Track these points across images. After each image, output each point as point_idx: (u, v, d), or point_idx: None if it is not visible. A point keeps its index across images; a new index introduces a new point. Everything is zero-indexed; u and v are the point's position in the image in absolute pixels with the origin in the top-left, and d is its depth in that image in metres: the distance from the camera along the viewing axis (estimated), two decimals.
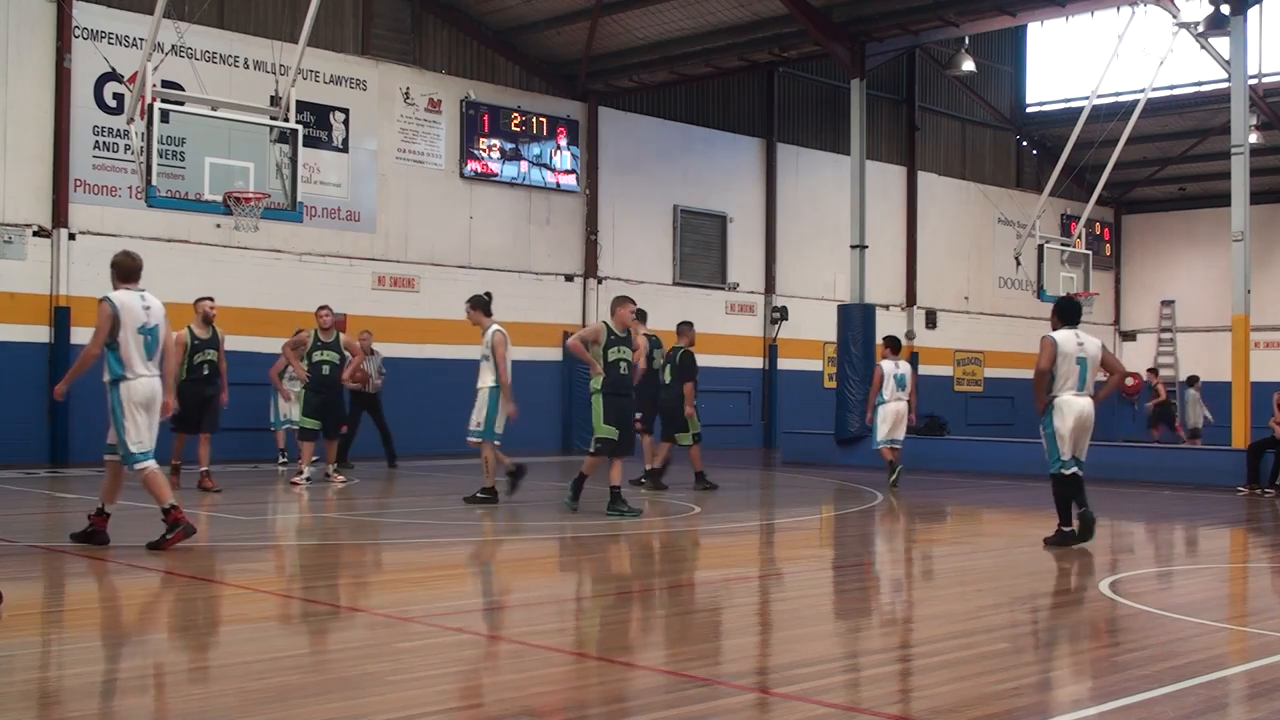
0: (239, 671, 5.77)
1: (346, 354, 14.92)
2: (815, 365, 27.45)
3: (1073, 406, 10.12)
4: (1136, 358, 34.99)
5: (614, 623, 7.32)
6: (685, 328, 15.82)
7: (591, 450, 12.07)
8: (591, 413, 12.04)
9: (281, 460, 18.10)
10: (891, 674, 5.95)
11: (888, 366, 16.21)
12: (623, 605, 7.83)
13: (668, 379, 15.37)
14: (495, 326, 13.07)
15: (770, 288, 27.26)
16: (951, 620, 7.24)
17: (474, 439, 13.11)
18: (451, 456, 20.17)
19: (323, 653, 6.10)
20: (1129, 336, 35.37)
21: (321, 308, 15.29)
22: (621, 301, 12.20)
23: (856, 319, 21.37)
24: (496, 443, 13.04)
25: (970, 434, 25.90)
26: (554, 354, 23.44)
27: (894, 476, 15.95)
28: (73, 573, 8.64)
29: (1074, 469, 10.20)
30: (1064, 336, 10.21)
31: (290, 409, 17.41)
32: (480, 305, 13.32)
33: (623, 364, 12.02)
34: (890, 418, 16.12)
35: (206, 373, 13.81)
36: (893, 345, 16.51)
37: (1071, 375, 10.13)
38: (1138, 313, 35.35)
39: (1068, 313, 10.39)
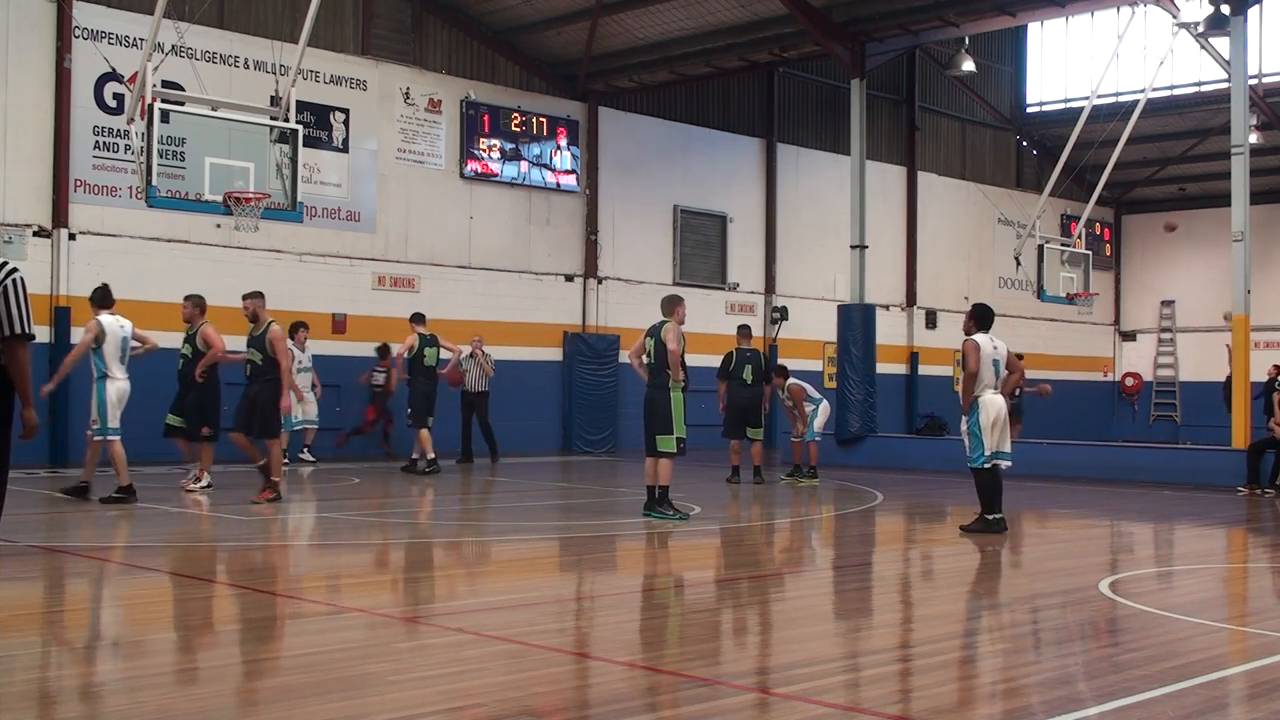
0: (239, 671, 5.77)
1: (202, 347, 13.42)
2: (815, 365, 27.42)
3: (994, 404, 11.10)
4: (1137, 357, 35.03)
5: (614, 623, 7.32)
6: (749, 330, 17.02)
7: (674, 452, 11.74)
8: (671, 412, 11.65)
9: (306, 456, 18.54)
10: (891, 674, 5.95)
11: None
12: (623, 605, 7.83)
13: (749, 379, 16.23)
14: (101, 317, 12.57)
15: (770, 288, 27.26)
16: (951, 620, 7.25)
17: (97, 436, 12.62)
18: (452, 456, 20.17)
19: (323, 653, 6.10)
20: (1129, 336, 35.36)
21: (185, 297, 13.79)
22: (681, 301, 12.09)
23: (856, 319, 21.36)
24: (112, 438, 12.62)
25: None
26: (554, 354, 23.45)
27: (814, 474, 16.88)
28: (73, 573, 8.63)
29: (995, 462, 11.08)
30: (983, 340, 11.16)
31: (299, 409, 17.96)
32: (95, 299, 12.79)
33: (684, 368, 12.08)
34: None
35: (249, 372, 13.12)
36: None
37: (990, 376, 11.07)
38: (1138, 313, 35.34)
39: (984, 318, 11.33)
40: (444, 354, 17.68)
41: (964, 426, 11.24)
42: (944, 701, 5.22)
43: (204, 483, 13.83)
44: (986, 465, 11.05)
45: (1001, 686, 5.56)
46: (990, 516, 11.07)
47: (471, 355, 19.20)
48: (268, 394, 12.88)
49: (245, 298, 13.27)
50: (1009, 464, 11.24)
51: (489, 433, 19.29)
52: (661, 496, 11.83)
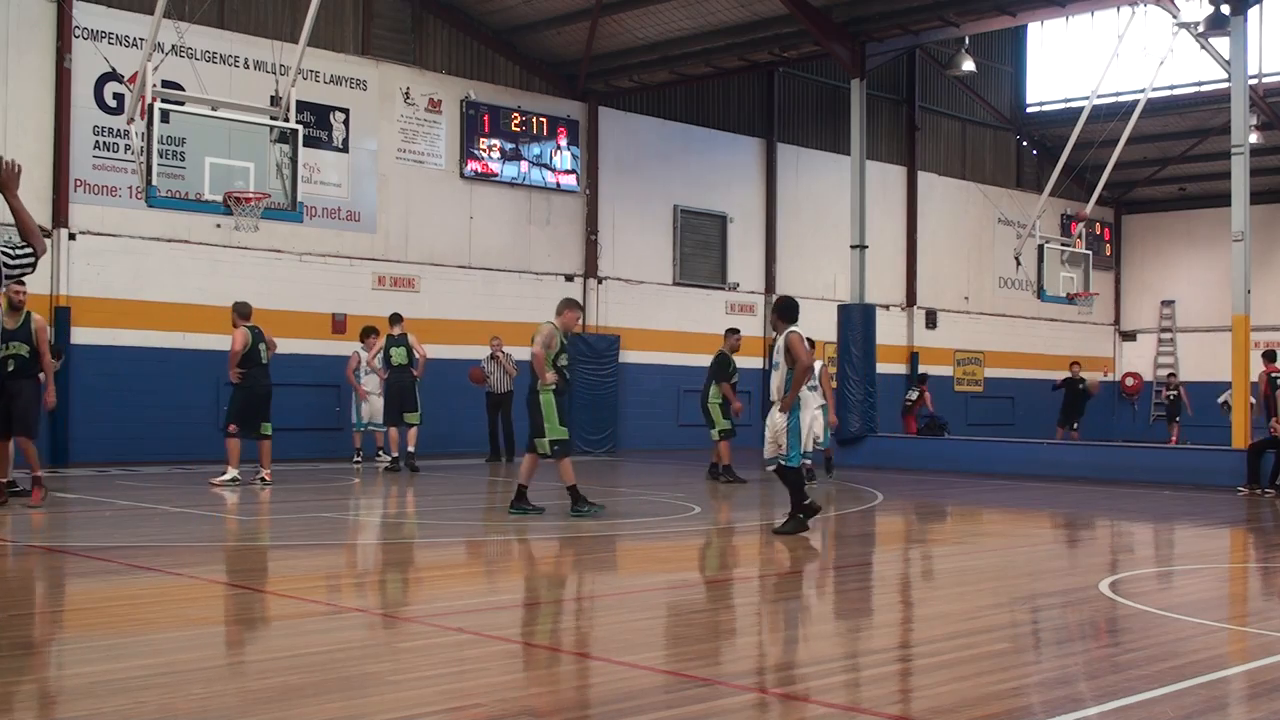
0: (239, 671, 5.77)
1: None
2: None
3: (814, 401, 10.93)
4: (1137, 358, 35.04)
5: (614, 623, 7.32)
6: (727, 333, 17.19)
7: (550, 454, 11.76)
8: (542, 414, 11.69)
9: (356, 460, 18.76)
10: (891, 674, 5.95)
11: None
12: (623, 605, 7.83)
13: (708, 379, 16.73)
14: None
15: (770, 288, 27.24)
16: (951, 620, 7.24)
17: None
18: (453, 456, 20.19)
19: (323, 653, 6.10)
20: (1129, 336, 35.36)
21: (13, 284, 11.89)
22: (571, 305, 12.06)
23: (856, 319, 21.36)
24: None
25: (970, 434, 25.91)
26: None
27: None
28: (73, 573, 8.63)
29: (809, 460, 10.79)
30: (802, 333, 10.80)
31: (368, 410, 18.35)
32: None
33: (565, 369, 12.02)
34: None
35: (12, 369, 11.91)
36: None
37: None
38: (1138, 313, 35.34)
39: (790, 312, 10.96)
40: (416, 354, 17.73)
41: (782, 424, 10.66)
42: (944, 701, 5.21)
43: (228, 476, 14.36)
44: (799, 464, 10.77)
45: (1001, 686, 5.55)
46: (800, 515, 10.77)
47: (493, 357, 19.60)
48: (31, 390, 12.02)
49: (15, 286, 11.62)
50: (810, 461, 11.04)
51: (509, 432, 19.74)
52: (573, 494, 11.80)
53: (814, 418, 10.86)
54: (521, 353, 21.15)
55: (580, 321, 12.12)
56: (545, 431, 11.73)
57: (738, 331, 17.29)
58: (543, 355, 11.63)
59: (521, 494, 11.91)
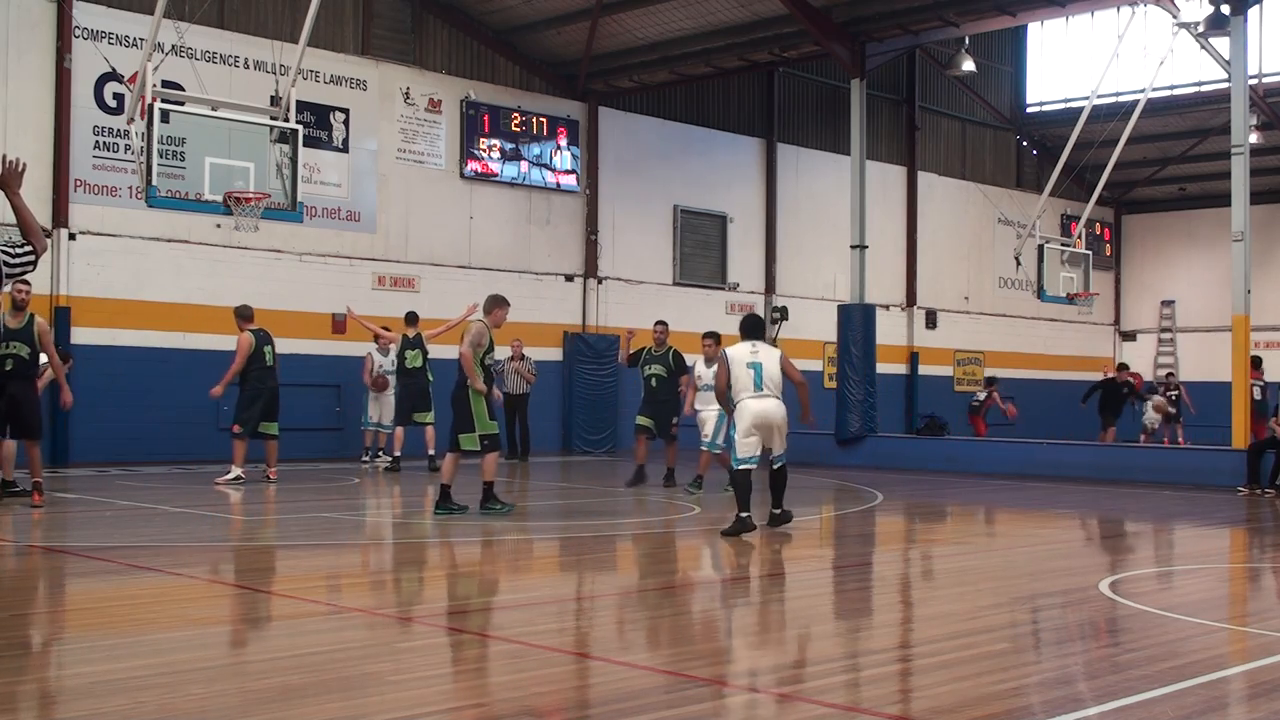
0: (239, 671, 5.78)
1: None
2: (815, 365, 27.42)
3: (749, 409, 10.88)
4: (1137, 358, 35.02)
5: (614, 623, 7.32)
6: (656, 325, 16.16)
7: (478, 449, 11.68)
8: (471, 410, 11.57)
9: (365, 459, 18.71)
10: (891, 674, 5.95)
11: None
12: (623, 605, 7.83)
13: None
14: None
15: (770, 288, 27.25)
16: (951, 620, 7.24)
17: None
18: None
19: (323, 653, 6.10)
20: (1129, 336, 35.35)
21: (18, 283, 11.42)
22: (500, 302, 11.96)
23: (856, 319, 21.36)
24: None
25: (970, 434, 25.90)
26: (554, 354, 23.44)
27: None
28: (73, 572, 8.64)
29: (752, 465, 10.95)
30: (737, 349, 11.05)
31: (376, 411, 18.39)
32: None
33: (492, 366, 12.04)
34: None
35: (10, 368, 11.75)
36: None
37: (747, 381, 10.90)
38: (1138, 313, 35.33)
39: (745, 328, 11.30)
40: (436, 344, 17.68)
41: (726, 432, 11.06)
42: (944, 701, 5.22)
43: (231, 475, 14.48)
44: (742, 467, 10.91)
45: (1001, 686, 5.56)
46: (743, 515, 10.78)
47: (511, 359, 19.72)
48: (34, 393, 12.05)
49: (19, 285, 11.65)
50: (783, 462, 11.06)
51: (525, 433, 20.07)
52: (486, 492, 11.81)
53: (751, 426, 10.90)
54: (510, 352, 21.25)
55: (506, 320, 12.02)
56: (474, 427, 11.63)
57: (662, 324, 16.13)
58: (471, 355, 11.55)
59: (446, 494, 11.81)
